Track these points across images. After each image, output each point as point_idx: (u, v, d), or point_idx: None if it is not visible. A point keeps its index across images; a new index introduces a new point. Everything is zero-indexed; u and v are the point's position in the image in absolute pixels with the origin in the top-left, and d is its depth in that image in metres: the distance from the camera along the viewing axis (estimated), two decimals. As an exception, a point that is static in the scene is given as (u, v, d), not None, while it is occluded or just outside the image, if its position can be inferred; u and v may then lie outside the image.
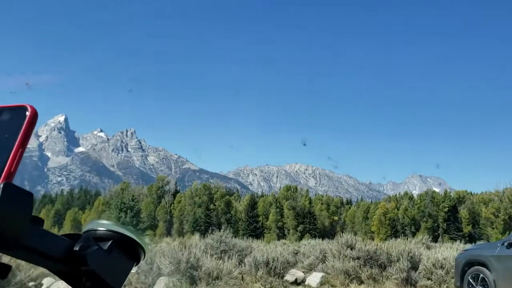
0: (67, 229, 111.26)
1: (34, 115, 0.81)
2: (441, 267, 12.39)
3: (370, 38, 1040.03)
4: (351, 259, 12.90)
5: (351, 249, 13.53)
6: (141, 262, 1.04)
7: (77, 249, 0.97)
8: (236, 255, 12.85)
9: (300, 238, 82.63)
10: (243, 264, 12.01)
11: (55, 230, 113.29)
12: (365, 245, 13.96)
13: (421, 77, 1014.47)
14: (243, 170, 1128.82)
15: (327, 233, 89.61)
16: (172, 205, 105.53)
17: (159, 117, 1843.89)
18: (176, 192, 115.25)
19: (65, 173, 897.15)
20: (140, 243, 1.01)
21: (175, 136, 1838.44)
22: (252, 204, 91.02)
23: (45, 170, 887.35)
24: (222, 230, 14.64)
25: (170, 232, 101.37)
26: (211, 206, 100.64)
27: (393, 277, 12.43)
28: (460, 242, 40.08)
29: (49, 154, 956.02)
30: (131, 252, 1.01)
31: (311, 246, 20.20)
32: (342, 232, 17.71)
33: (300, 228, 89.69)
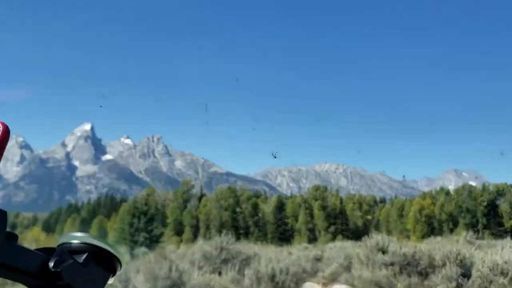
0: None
1: (6, 132, 0.81)
2: (502, 273, 9.53)
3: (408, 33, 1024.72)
4: (383, 266, 10.18)
5: (383, 253, 10.75)
6: (117, 273, 1.05)
7: (52, 264, 0.99)
8: (238, 265, 10.35)
9: (333, 239, 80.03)
10: (244, 278, 9.47)
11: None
12: (401, 247, 11.04)
13: (451, 72, 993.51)
14: (270, 172, 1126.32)
15: (360, 233, 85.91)
16: (198, 209, 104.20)
17: (184, 121, 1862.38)
18: (202, 195, 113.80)
19: (94, 181, 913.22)
20: (116, 254, 1.02)
21: (201, 140, 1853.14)
22: (280, 206, 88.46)
23: (74, 179, 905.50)
24: (223, 234, 12.08)
25: (197, 236, 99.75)
26: (238, 209, 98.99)
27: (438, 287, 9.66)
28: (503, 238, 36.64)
29: (77, 163, 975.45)
30: (107, 264, 1.02)
31: (337, 249, 17.50)
32: (377, 232, 14.76)
33: (331, 229, 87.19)
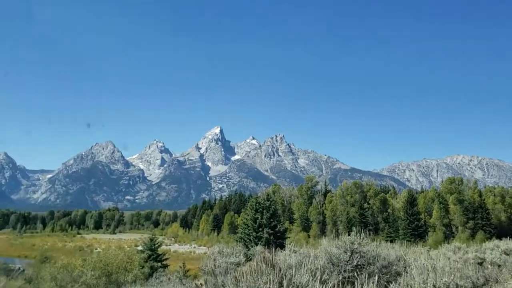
0: (225, 232, 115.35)
1: None
2: None
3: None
4: None
5: None
6: None
7: None
8: (377, 274, 7.65)
9: (472, 236, 72.68)
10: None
11: (214, 234, 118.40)
12: None
13: None
14: (398, 166, 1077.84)
15: (505, 230, 77.22)
16: (324, 205, 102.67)
17: (305, 120, 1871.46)
18: (327, 192, 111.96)
19: (225, 180, 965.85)
20: None
21: (323, 138, 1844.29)
22: (411, 201, 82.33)
23: (208, 178, 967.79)
24: (355, 232, 9.39)
25: (324, 232, 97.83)
26: (365, 205, 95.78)
27: None
28: None
29: (209, 164, 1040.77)
30: None
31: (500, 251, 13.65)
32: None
33: (470, 224, 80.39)
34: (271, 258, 5.96)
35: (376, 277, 6.98)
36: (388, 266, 8.57)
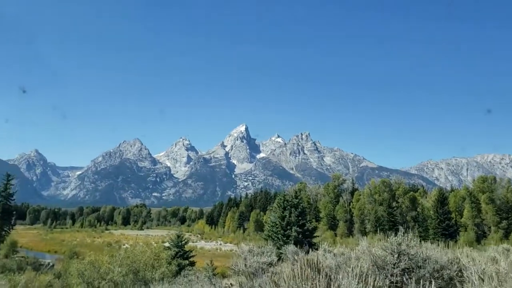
0: (251, 230, 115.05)
1: None
2: None
3: None
4: None
5: None
6: None
7: None
8: (428, 278, 6.84)
9: (505, 236, 70.39)
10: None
11: (240, 231, 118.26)
12: None
13: None
14: (426, 165, 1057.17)
15: None
16: (351, 203, 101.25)
17: (331, 118, 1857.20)
18: (354, 190, 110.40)
19: (250, 178, 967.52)
20: None
21: (349, 135, 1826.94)
22: (442, 200, 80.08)
23: (233, 176, 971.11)
24: (402, 231, 8.58)
25: (352, 231, 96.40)
26: (394, 204, 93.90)
27: None
28: None
29: (235, 161, 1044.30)
30: None
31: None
32: None
33: (503, 224, 78.75)
34: (315, 261, 5.27)
35: (428, 283, 6.20)
36: (440, 270, 7.72)
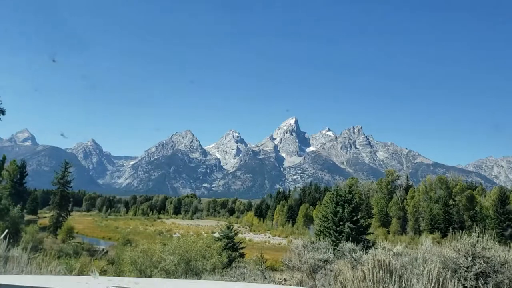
0: (299, 224, 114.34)
1: None
2: None
3: None
4: None
5: None
6: None
7: None
8: (509, 286, 6.12)
9: None
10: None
11: (289, 225, 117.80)
12: None
13: None
14: (485, 162, 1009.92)
15: None
16: (405, 200, 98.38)
17: (385, 111, 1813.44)
18: (409, 187, 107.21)
19: (299, 171, 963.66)
20: None
21: (403, 130, 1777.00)
22: (503, 199, 76.11)
23: (282, 169, 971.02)
24: (477, 231, 7.80)
25: (405, 229, 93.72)
26: (450, 202, 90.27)
27: None
28: None
29: (283, 154, 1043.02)
30: None
31: None
32: None
33: None
34: (388, 263, 4.73)
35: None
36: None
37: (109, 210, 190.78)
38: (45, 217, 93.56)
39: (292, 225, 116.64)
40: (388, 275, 4.69)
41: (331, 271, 9.78)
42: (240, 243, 36.92)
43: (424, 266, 7.62)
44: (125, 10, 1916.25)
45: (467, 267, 7.15)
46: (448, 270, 7.30)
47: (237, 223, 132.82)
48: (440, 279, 5.02)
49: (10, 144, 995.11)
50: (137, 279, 2.72)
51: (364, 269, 4.74)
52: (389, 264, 4.82)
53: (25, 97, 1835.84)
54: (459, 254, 7.26)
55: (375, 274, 4.56)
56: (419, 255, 8.26)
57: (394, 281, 4.60)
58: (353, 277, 4.80)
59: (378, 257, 4.85)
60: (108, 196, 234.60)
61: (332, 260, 11.24)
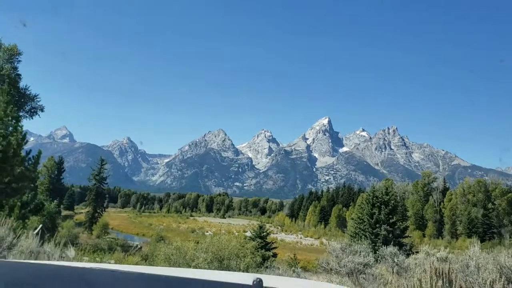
0: (332, 225, 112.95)
1: None
2: None
3: None
4: None
5: None
6: None
7: None
8: None
9: None
10: None
11: (321, 226, 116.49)
12: None
13: None
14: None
15: None
16: (442, 203, 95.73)
17: (421, 112, 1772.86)
18: (445, 189, 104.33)
19: (332, 172, 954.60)
20: None
21: (440, 131, 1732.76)
22: (547, 204, 72.56)
23: (314, 169, 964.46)
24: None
25: (441, 233, 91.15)
26: (490, 205, 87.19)
27: None
28: None
29: (316, 155, 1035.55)
30: None
31: None
32: None
33: None
34: (447, 271, 4.23)
35: None
36: None
37: (143, 207, 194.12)
38: (81, 212, 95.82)
39: (325, 226, 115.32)
40: (447, 285, 4.20)
41: (372, 275, 9.26)
42: (273, 243, 36.55)
43: (478, 275, 7.03)
44: (167, 9, 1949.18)
45: (528, 277, 6.51)
46: (506, 279, 6.68)
47: (268, 223, 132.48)
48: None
49: (49, 141, 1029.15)
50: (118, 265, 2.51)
51: (421, 277, 4.26)
52: (449, 272, 4.32)
53: (64, 94, 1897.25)
54: (517, 261, 6.63)
55: (433, 284, 4.08)
56: (471, 261, 7.62)
57: (455, 292, 4.10)
58: (407, 286, 4.33)
59: (435, 265, 4.36)
60: (142, 193, 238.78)
61: (372, 264, 10.68)
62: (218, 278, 2.07)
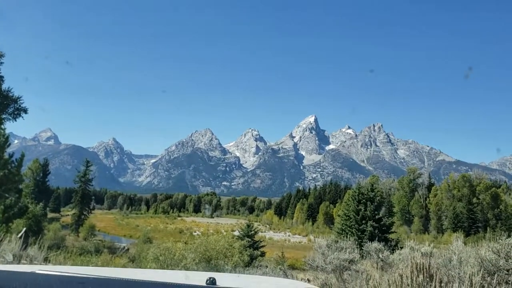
0: (320, 222, 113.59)
1: None
2: None
3: None
4: None
5: None
6: None
7: None
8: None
9: None
10: None
11: (309, 223, 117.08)
12: None
13: None
14: (509, 160, 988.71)
15: None
16: (427, 199, 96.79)
17: (406, 109, 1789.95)
18: (431, 185, 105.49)
19: (319, 169, 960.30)
20: None
21: (425, 128, 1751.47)
22: (529, 197, 73.88)
23: (301, 167, 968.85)
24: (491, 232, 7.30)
25: (427, 228, 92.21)
26: (474, 200, 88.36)
27: None
28: None
29: (303, 153, 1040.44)
30: None
31: None
32: None
33: None
34: (427, 266, 4.34)
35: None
36: None
37: (130, 208, 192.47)
38: (68, 215, 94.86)
39: (312, 224, 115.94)
40: (428, 279, 4.30)
41: (356, 271, 9.39)
42: (261, 241, 36.67)
43: (460, 268, 7.18)
44: (149, 10, 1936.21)
45: (508, 270, 6.68)
46: (487, 272, 6.84)
47: (256, 221, 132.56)
48: (485, 285, 4.61)
49: (33, 143, 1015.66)
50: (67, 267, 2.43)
51: (402, 273, 4.36)
52: (429, 267, 4.43)
53: (48, 97, 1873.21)
54: (499, 255, 6.78)
55: (414, 279, 4.18)
56: (453, 256, 7.78)
57: (435, 287, 4.20)
58: (389, 281, 4.43)
59: (417, 260, 4.46)
60: (129, 194, 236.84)
61: (357, 260, 10.81)
62: (170, 279, 2.04)
